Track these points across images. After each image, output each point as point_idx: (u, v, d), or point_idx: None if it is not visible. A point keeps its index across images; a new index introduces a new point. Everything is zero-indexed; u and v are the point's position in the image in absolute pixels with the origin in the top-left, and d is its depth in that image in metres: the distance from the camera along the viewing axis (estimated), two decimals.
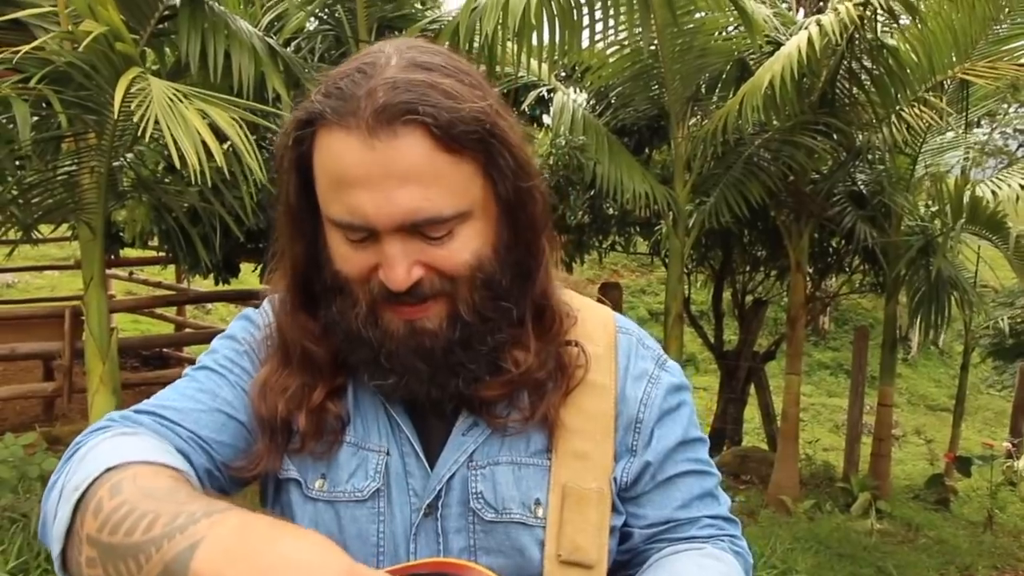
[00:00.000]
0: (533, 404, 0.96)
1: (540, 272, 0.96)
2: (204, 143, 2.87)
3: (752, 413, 9.89)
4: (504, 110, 0.91)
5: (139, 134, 2.94)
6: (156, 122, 2.77)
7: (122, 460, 0.81)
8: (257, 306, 1.09)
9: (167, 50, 4.51)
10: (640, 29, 5.58)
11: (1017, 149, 18.88)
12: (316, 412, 0.96)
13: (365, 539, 0.95)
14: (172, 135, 2.77)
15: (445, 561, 0.79)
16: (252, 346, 1.03)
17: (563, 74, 7.07)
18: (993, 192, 7.10)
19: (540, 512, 0.94)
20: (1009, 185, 7.08)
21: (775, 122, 6.13)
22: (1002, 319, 9.10)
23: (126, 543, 0.72)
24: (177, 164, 2.80)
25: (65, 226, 4.81)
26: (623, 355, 1.03)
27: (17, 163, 3.74)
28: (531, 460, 0.96)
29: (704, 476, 1.03)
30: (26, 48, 3.02)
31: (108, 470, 0.79)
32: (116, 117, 3.22)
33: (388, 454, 0.97)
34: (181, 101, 2.93)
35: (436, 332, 0.89)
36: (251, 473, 0.98)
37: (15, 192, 3.78)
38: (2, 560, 3.68)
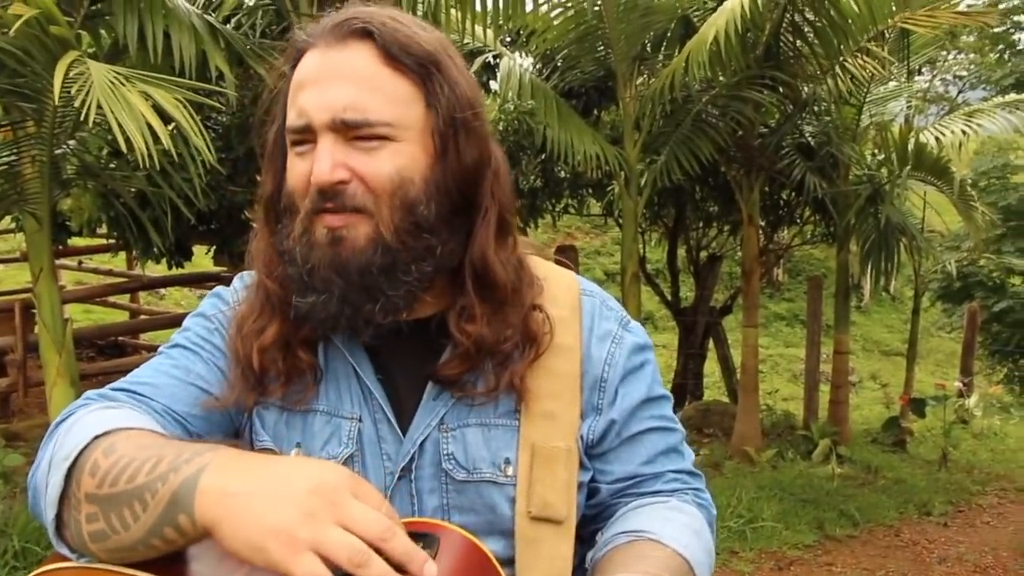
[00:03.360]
0: (498, 375, 0.97)
1: (479, 231, 0.96)
2: (150, 126, 2.82)
3: (712, 368, 10.01)
4: (457, 59, 0.97)
5: (81, 119, 2.86)
6: (99, 107, 2.71)
7: (110, 427, 0.84)
8: (225, 284, 1.10)
9: (103, 32, 4.40)
10: None
11: (957, 95, 19.19)
12: (280, 351, 0.97)
13: None
14: (116, 119, 2.70)
15: (419, 521, 0.81)
16: (222, 323, 1.04)
17: (508, 39, 7.01)
18: (936, 138, 7.23)
19: (510, 471, 0.97)
20: (952, 131, 7.21)
21: (721, 78, 6.16)
22: (949, 263, 9.29)
23: (128, 489, 0.76)
24: (123, 148, 2.75)
25: (8, 218, 4.69)
26: (587, 317, 1.05)
27: None
28: (500, 421, 0.98)
29: (668, 432, 1.06)
30: None
31: (97, 437, 0.83)
32: (56, 103, 3.14)
33: (360, 421, 0.98)
34: (123, 84, 2.86)
35: (354, 246, 0.90)
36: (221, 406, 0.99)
37: None
38: None
